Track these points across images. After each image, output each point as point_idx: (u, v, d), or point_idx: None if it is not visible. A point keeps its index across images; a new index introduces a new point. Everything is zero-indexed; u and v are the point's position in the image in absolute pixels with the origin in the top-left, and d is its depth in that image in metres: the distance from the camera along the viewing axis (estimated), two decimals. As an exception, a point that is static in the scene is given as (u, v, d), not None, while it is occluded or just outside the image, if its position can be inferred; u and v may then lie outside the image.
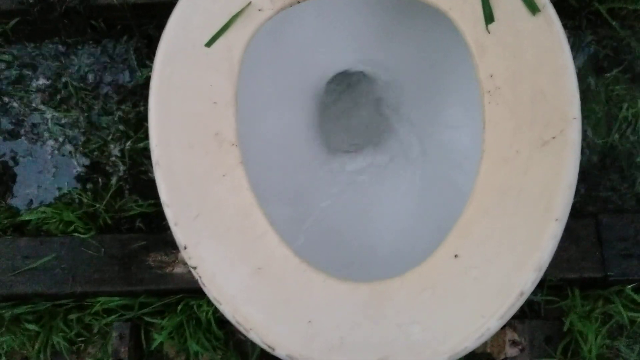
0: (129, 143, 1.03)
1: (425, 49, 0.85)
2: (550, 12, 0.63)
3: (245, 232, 0.61)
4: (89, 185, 1.03)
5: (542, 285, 0.91)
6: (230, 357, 0.94)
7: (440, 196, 0.82)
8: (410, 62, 0.89)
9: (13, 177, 1.05)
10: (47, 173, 1.04)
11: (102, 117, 1.04)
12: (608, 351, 0.90)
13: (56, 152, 1.05)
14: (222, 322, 0.94)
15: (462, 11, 0.64)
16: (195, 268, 0.60)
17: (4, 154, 1.06)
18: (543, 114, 0.60)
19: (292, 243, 0.61)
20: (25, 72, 1.07)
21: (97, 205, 0.99)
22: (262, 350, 0.79)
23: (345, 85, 1.00)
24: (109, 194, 1.00)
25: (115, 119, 1.04)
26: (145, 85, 1.04)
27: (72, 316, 0.96)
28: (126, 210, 0.99)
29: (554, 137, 0.59)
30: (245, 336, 0.61)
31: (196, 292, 0.93)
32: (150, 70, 0.67)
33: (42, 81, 1.07)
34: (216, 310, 0.91)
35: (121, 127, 1.04)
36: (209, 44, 0.65)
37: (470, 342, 0.56)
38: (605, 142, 0.97)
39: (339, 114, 1.00)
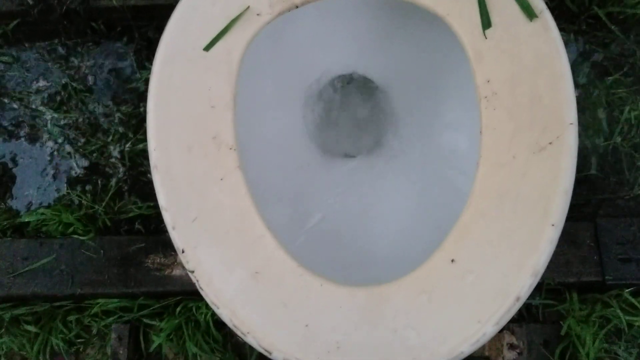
0: (128, 145, 1.03)
1: (424, 52, 0.86)
2: (547, 17, 0.63)
3: (243, 235, 0.61)
4: (88, 187, 1.03)
5: (540, 289, 0.91)
6: (229, 359, 0.94)
7: (439, 197, 0.83)
8: (409, 64, 0.89)
9: (13, 179, 1.05)
10: (46, 175, 1.05)
11: (102, 119, 1.05)
12: (606, 355, 0.90)
13: (56, 153, 1.05)
14: (221, 325, 0.94)
15: (460, 16, 0.64)
16: (192, 272, 0.60)
17: (4, 156, 1.06)
18: (540, 119, 0.60)
19: (292, 244, 0.62)
20: (25, 73, 1.07)
21: (97, 207, 0.99)
22: (260, 353, 0.79)
23: (345, 88, 1.00)
24: (109, 196, 1.00)
25: (115, 120, 1.04)
26: (144, 87, 1.04)
27: (71, 317, 0.96)
28: (125, 212, 0.99)
29: (550, 143, 0.60)
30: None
31: (195, 294, 0.93)
32: (150, 72, 0.67)
33: (42, 83, 1.07)
34: (214, 313, 0.91)
35: (120, 129, 1.04)
36: (207, 47, 0.65)
37: (467, 346, 0.56)
38: (608, 144, 0.97)
39: (339, 116, 1.00)
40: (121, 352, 0.93)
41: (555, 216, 0.58)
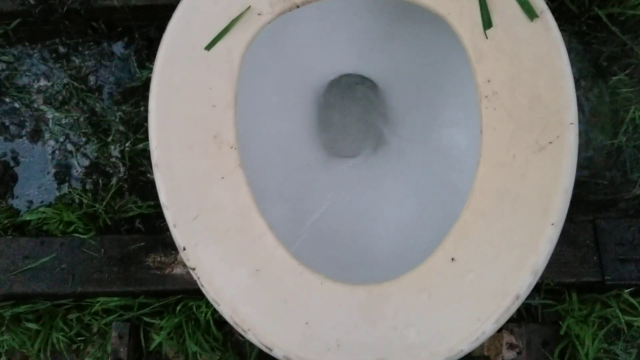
0: (128, 144, 1.03)
1: (424, 52, 0.86)
2: (548, 17, 0.63)
3: (244, 234, 0.61)
4: (89, 186, 1.03)
5: (540, 288, 0.91)
6: (229, 358, 0.94)
7: (439, 197, 0.83)
8: (410, 64, 0.89)
9: (14, 177, 1.05)
10: (47, 173, 1.05)
11: (103, 118, 1.05)
12: (605, 355, 0.90)
13: (57, 152, 1.05)
14: (221, 323, 0.94)
15: (461, 16, 0.64)
16: (194, 269, 0.61)
17: (5, 154, 1.06)
18: (540, 119, 0.60)
19: (292, 243, 0.62)
20: (27, 73, 1.08)
21: (97, 206, 0.99)
22: (260, 351, 0.79)
23: (345, 88, 1.01)
24: (109, 195, 1.01)
25: (116, 120, 1.05)
26: (145, 86, 1.04)
27: (72, 316, 0.97)
28: (126, 211, 1.00)
29: (551, 142, 0.60)
30: (243, 337, 0.61)
31: (195, 293, 0.93)
32: (151, 72, 0.67)
33: (43, 82, 1.07)
34: (215, 311, 0.92)
35: (121, 128, 1.04)
36: (208, 47, 0.66)
37: (466, 345, 0.56)
38: (612, 144, 0.97)
39: (339, 116, 1.00)
40: (121, 350, 0.93)
41: (555, 216, 0.58)
